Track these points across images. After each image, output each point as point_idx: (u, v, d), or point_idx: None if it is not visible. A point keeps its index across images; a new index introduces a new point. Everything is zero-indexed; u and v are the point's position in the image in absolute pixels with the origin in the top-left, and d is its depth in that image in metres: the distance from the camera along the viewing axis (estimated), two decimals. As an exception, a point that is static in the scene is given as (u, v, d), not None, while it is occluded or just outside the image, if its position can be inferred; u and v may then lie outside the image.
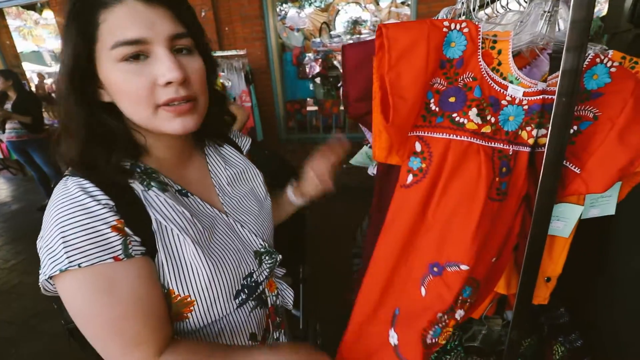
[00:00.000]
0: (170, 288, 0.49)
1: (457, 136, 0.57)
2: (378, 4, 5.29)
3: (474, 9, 0.87)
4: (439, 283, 0.62)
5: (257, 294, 0.61)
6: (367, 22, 5.23)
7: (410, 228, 0.62)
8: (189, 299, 0.51)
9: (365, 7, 5.25)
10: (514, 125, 0.56)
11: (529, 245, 0.59)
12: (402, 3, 5.05)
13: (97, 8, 0.44)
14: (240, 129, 2.23)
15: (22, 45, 6.71)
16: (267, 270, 0.63)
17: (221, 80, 3.11)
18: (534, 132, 0.56)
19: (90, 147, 0.48)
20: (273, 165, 1.78)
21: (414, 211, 0.61)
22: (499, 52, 0.56)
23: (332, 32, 4.85)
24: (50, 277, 0.43)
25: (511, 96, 0.55)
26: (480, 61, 0.55)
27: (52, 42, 7.74)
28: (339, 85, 4.23)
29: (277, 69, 3.89)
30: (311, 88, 4.41)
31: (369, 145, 1.24)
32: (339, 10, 5.18)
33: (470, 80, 0.55)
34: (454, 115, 0.57)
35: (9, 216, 3.88)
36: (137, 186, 0.50)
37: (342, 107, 4.15)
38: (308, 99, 4.18)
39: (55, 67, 8.01)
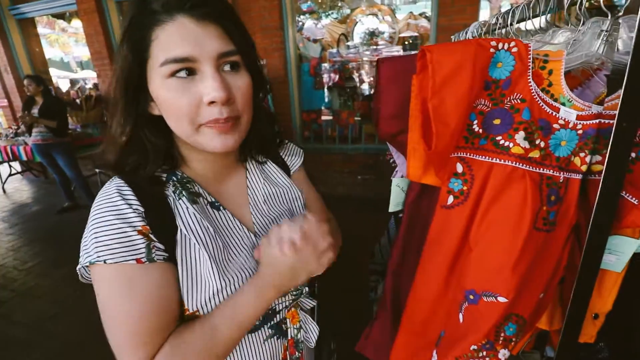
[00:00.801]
0: (183, 299, 0.50)
1: (500, 160, 0.54)
2: (395, 16, 5.31)
3: (511, 24, 0.85)
4: (475, 312, 0.58)
5: (274, 322, 0.59)
6: (384, 33, 5.24)
7: (454, 250, 0.59)
8: (197, 314, 0.50)
9: (383, 18, 5.27)
10: (567, 151, 0.52)
11: (578, 280, 0.54)
12: (420, 15, 5.05)
13: (151, 25, 0.45)
14: None
15: (49, 52, 6.99)
16: (290, 299, 0.61)
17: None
18: (588, 159, 0.52)
19: (127, 154, 0.51)
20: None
21: (456, 233, 0.58)
22: (550, 73, 0.53)
23: (348, 43, 4.87)
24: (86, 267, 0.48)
25: (564, 119, 0.51)
26: (530, 82, 0.51)
27: (79, 50, 8.04)
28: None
29: (295, 79, 3.92)
30: (327, 98, 4.43)
31: (395, 173, 1.20)
32: (357, 22, 5.22)
33: (518, 101, 0.52)
34: (498, 138, 0.54)
35: (29, 217, 3.98)
36: (170, 195, 0.52)
37: (357, 118, 4.15)
38: (324, 109, 4.19)
39: (82, 74, 8.31)
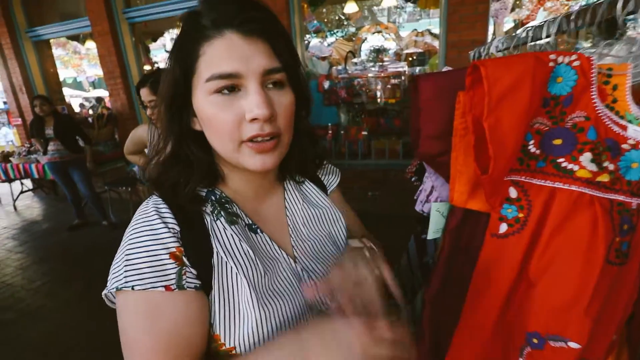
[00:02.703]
0: (217, 333, 0.46)
1: (564, 184, 0.48)
2: (399, 34, 5.37)
3: (547, 36, 0.81)
4: (540, 358, 0.51)
5: None
6: (390, 50, 5.29)
7: (509, 284, 0.53)
8: (233, 352, 0.46)
9: (389, 35, 5.33)
10: (638, 174, 0.47)
11: (656, 319, 0.48)
12: (423, 32, 5.10)
13: (200, 41, 0.45)
14: None
15: (62, 72, 7.17)
16: None
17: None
18: (663, 183, 0.47)
19: (168, 169, 0.50)
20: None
21: (512, 265, 0.52)
22: (614, 88, 0.48)
23: (355, 60, 4.92)
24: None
25: (634, 139, 0.46)
26: (594, 98, 0.46)
27: (91, 70, 8.25)
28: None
29: (304, 96, 3.92)
30: (336, 114, 4.43)
31: (419, 193, 1.15)
32: (364, 40, 5.28)
33: (582, 119, 0.47)
34: (560, 160, 0.48)
35: (39, 235, 3.96)
36: (208, 215, 0.50)
37: (364, 132, 4.12)
38: (331, 125, 4.18)
39: (93, 93, 8.50)
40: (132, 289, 0.42)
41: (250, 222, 0.54)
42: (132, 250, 0.44)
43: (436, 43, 4.68)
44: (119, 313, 0.45)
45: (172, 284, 0.43)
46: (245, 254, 0.49)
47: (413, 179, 1.34)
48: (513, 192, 0.52)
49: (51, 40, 5.06)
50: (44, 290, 2.78)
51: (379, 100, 4.14)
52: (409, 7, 6.29)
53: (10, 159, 4.39)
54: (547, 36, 0.80)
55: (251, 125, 0.45)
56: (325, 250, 0.60)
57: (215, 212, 0.51)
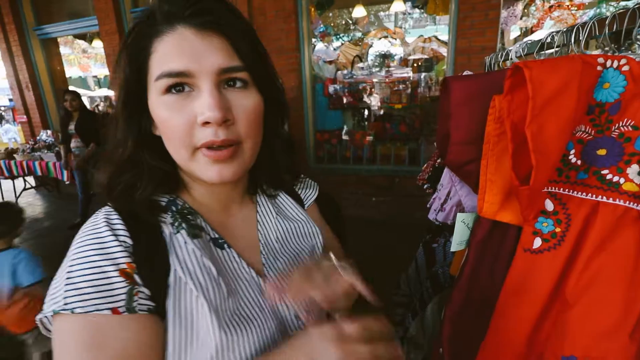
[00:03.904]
0: None
1: (608, 198, 0.45)
2: (405, 39, 5.36)
3: (574, 41, 0.77)
4: (576, 386, 0.47)
5: None
6: (396, 55, 5.28)
7: (542, 304, 0.49)
8: None
9: (396, 40, 5.32)
10: (691, 189, 0.43)
11: None
12: (430, 38, 5.08)
13: (151, 37, 0.41)
14: None
15: (69, 71, 7.20)
16: None
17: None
18: None
19: (122, 172, 0.45)
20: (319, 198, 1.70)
21: (546, 283, 0.48)
22: (665, 96, 0.44)
23: (361, 65, 4.91)
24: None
25: (687, 151, 0.43)
26: (644, 106, 0.43)
27: (97, 69, 8.28)
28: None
29: (310, 100, 3.91)
30: (341, 119, 4.41)
31: (433, 201, 1.12)
32: (371, 44, 5.27)
33: (630, 129, 0.44)
34: (604, 172, 0.45)
35: (41, 232, 3.94)
36: (167, 227, 0.44)
37: (370, 138, 4.10)
38: (337, 130, 4.16)
39: (99, 92, 8.53)
40: (72, 312, 0.36)
41: (217, 235, 0.48)
42: (74, 267, 0.38)
43: (443, 50, 4.67)
44: (54, 341, 0.38)
45: (120, 306, 0.37)
46: (207, 272, 0.42)
47: (425, 186, 1.30)
48: (550, 205, 0.48)
49: (58, 39, 5.07)
50: (45, 287, 2.75)
51: (383, 105, 4.13)
52: (416, 13, 6.29)
53: (14, 155, 4.38)
54: (576, 41, 0.77)
55: (204, 130, 0.40)
56: None
57: (176, 224, 0.45)
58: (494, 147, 0.50)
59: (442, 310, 1.02)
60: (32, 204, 5.01)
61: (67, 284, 0.37)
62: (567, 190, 0.47)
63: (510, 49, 1.15)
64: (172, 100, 0.40)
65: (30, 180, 5.34)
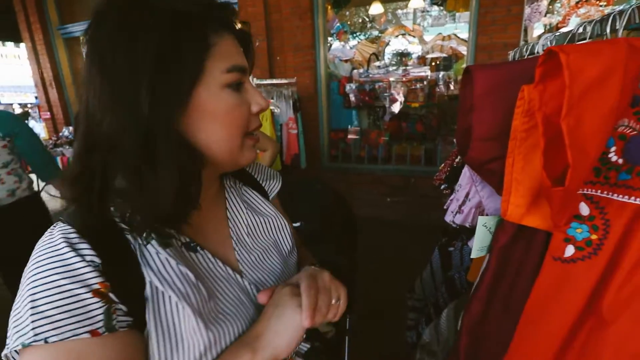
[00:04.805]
0: None
1: (655, 202, 0.39)
2: (422, 38, 5.25)
3: (610, 31, 0.71)
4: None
5: None
6: (414, 54, 5.18)
7: (573, 319, 0.44)
8: None
9: (413, 39, 5.22)
10: None
11: None
12: (449, 36, 4.96)
13: (209, 30, 0.41)
14: (270, 164, 1.90)
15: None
16: None
17: (271, 107, 3.10)
18: None
19: (72, 183, 0.40)
20: (326, 199, 1.66)
21: (578, 297, 0.43)
22: None
23: (378, 63, 4.83)
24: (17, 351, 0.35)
25: None
26: (701, 97, 0.37)
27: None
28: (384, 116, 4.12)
29: (324, 98, 3.88)
30: (356, 117, 4.35)
31: (450, 203, 1.06)
32: (388, 42, 5.19)
33: (683, 123, 0.38)
34: (651, 172, 0.40)
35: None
36: (134, 239, 0.41)
37: (385, 138, 4.02)
38: (350, 128, 4.10)
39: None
40: (46, 341, 0.33)
41: (188, 240, 0.47)
42: (39, 295, 0.35)
43: (462, 48, 4.54)
44: None
45: (99, 327, 0.35)
46: (185, 279, 0.41)
47: (442, 187, 1.25)
48: (585, 209, 0.43)
49: (81, 38, 5.22)
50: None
51: (400, 104, 4.05)
52: (434, 10, 6.16)
53: (38, 150, 4.53)
54: (612, 31, 0.70)
55: (255, 118, 0.47)
56: (272, 260, 0.56)
57: (144, 235, 0.42)
58: (521, 144, 0.45)
59: (459, 318, 0.97)
60: (54, 197, 5.19)
61: (33, 314, 0.34)
62: (605, 192, 0.42)
63: (537, 42, 1.08)
64: (236, 93, 0.44)
65: (53, 175, 5.52)
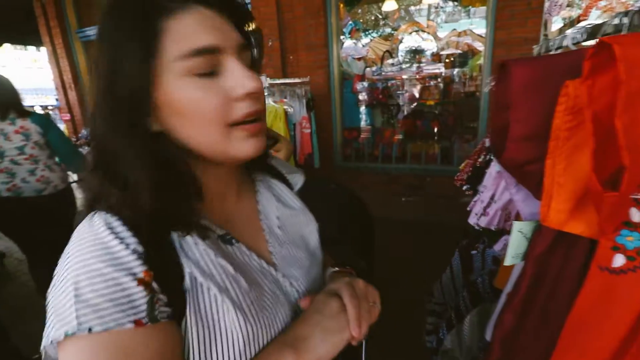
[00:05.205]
0: None
1: None
2: (436, 34, 5.15)
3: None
4: None
5: None
6: (428, 50, 5.09)
7: (623, 335, 0.41)
8: None
9: (427, 35, 5.13)
10: None
11: None
12: (465, 32, 4.85)
13: (155, 17, 0.37)
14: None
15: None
16: None
17: (284, 107, 3.09)
18: None
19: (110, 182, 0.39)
20: (342, 199, 1.63)
21: (629, 310, 0.40)
22: None
23: (392, 61, 4.77)
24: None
25: None
26: None
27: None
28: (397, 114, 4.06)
29: (338, 97, 3.85)
30: (369, 116, 4.31)
31: (473, 204, 1.02)
32: (401, 40, 5.12)
33: None
34: None
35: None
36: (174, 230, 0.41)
37: (399, 137, 3.96)
38: (364, 126, 4.06)
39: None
40: (90, 331, 0.33)
41: (223, 232, 0.46)
42: (82, 283, 0.34)
43: (478, 44, 4.43)
44: None
45: (142, 317, 0.35)
46: (224, 271, 0.41)
47: (464, 187, 1.20)
48: (636, 215, 0.40)
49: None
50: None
51: (414, 102, 3.98)
52: (449, 6, 6.03)
53: (58, 151, 4.66)
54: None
55: (240, 105, 0.40)
56: (300, 254, 0.54)
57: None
58: (564, 144, 0.42)
59: (483, 325, 0.93)
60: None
61: (77, 302, 0.33)
62: (661, 197, 0.38)
63: (563, 36, 1.02)
64: (203, 80, 0.39)
65: (74, 175, 5.68)
